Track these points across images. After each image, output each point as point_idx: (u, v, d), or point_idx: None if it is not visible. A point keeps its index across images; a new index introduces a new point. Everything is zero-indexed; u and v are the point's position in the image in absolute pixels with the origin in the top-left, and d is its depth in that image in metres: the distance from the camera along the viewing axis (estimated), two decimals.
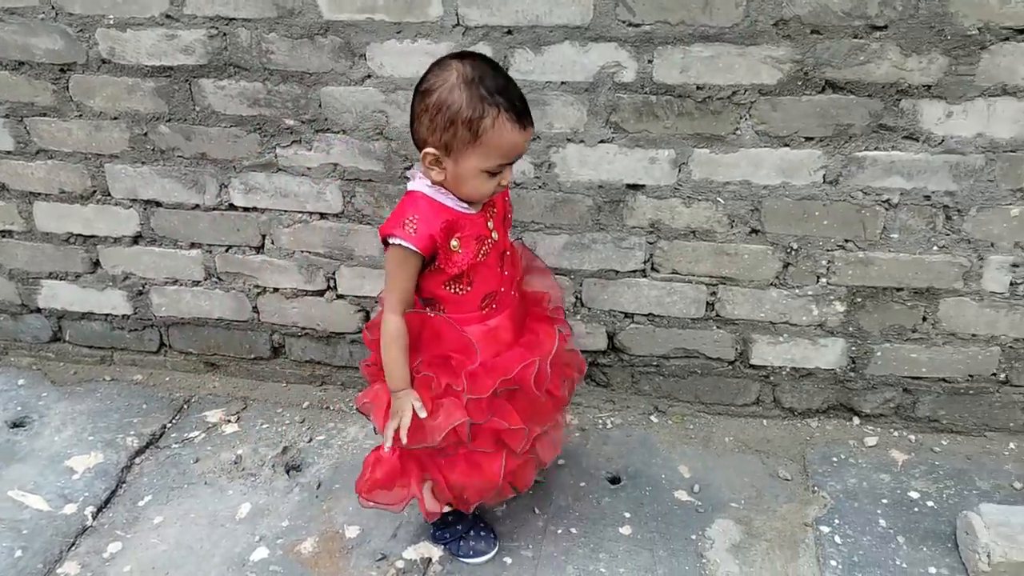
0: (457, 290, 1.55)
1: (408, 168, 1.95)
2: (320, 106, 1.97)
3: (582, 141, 1.91)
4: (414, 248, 1.47)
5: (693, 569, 1.72)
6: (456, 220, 1.49)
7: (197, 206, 2.16)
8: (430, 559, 1.78)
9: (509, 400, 1.59)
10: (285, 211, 2.12)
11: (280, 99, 1.98)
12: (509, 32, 1.82)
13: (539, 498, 1.91)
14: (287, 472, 2.03)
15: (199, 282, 2.26)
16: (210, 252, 2.22)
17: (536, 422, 1.65)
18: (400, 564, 1.76)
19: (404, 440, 1.54)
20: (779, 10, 1.70)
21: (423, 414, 1.53)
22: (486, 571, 1.75)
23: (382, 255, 2.10)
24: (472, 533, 1.78)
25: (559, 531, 1.83)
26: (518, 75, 1.84)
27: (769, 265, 1.96)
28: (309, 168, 2.05)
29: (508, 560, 1.77)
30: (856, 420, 2.10)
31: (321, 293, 2.21)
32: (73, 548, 1.83)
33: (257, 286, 2.23)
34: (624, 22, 1.77)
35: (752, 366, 2.08)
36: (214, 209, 2.15)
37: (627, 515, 1.87)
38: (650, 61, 1.80)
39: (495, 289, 1.59)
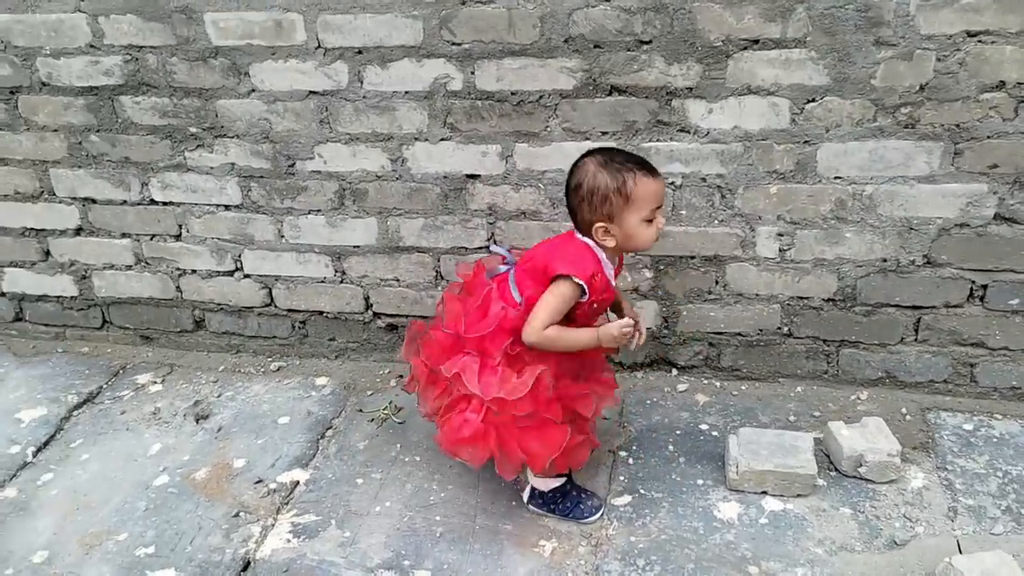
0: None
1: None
2: (216, 116, 2.40)
3: (427, 139, 2.31)
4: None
5: None
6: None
7: (124, 201, 2.59)
8: (298, 482, 2.18)
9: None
10: (196, 204, 2.54)
11: (184, 111, 2.41)
12: (360, 52, 2.23)
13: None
14: (196, 420, 2.44)
15: (131, 266, 2.69)
16: (138, 240, 2.65)
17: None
18: (272, 485, 2.17)
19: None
20: (566, 30, 2.10)
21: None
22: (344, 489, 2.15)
23: (277, 238, 2.52)
24: (583, 496, 2.02)
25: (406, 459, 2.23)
26: (369, 87, 2.26)
27: None
28: (212, 167, 2.47)
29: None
30: (674, 371, 2.47)
31: (231, 273, 2.63)
32: (14, 478, 2.26)
33: (178, 268, 2.66)
34: (449, 42, 2.18)
35: None
36: (138, 204, 2.58)
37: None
38: (472, 72, 2.20)
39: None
